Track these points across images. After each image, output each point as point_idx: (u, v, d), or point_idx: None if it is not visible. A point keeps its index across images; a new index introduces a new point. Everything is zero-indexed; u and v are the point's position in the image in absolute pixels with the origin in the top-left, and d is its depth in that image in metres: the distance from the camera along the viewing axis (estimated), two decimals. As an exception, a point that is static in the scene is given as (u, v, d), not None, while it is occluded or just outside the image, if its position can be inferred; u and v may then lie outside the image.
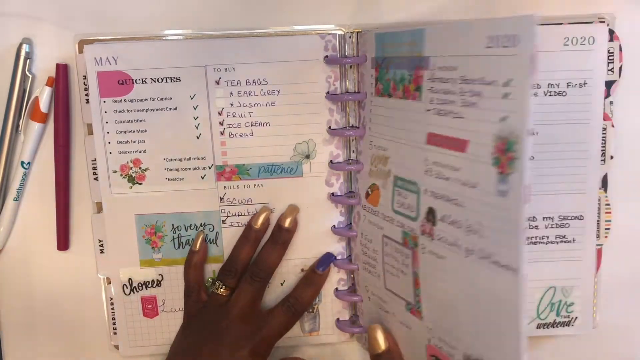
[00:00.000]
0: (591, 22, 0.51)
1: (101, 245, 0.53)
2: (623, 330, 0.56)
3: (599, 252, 0.54)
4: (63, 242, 0.54)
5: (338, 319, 0.55)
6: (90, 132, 0.52)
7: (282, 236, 0.52)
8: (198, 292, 0.52)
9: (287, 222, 0.52)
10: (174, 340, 0.53)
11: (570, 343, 0.56)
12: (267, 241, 0.52)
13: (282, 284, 0.54)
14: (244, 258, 0.52)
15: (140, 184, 0.52)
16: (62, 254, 0.54)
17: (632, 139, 0.53)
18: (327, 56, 0.50)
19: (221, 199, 0.53)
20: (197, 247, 0.52)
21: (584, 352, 0.56)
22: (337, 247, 0.53)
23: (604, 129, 0.52)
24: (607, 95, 0.52)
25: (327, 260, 0.53)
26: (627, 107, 0.53)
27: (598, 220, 0.54)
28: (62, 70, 0.51)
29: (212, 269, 0.54)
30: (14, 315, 0.55)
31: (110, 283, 0.54)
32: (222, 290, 0.51)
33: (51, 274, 0.55)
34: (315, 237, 0.53)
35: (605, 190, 0.53)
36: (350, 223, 0.53)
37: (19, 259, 0.54)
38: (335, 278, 0.54)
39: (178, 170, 0.52)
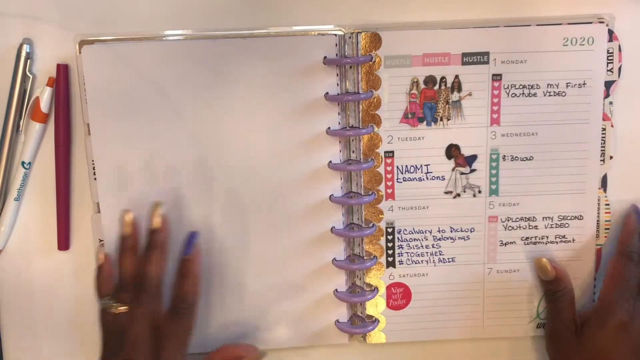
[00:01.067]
0: (590, 23, 0.51)
1: (102, 246, 0.53)
2: (623, 330, 0.56)
3: (599, 252, 0.54)
4: (63, 242, 0.54)
5: (337, 320, 0.55)
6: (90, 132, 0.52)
7: (156, 240, 0.49)
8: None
9: (155, 225, 0.50)
10: None
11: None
12: (145, 250, 0.50)
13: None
14: (127, 269, 0.49)
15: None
16: (62, 254, 0.54)
17: (632, 139, 0.53)
18: (326, 57, 0.51)
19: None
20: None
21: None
22: (337, 248, 0.54)
23: (604, 129, 0.52)
24: (607, 95, 0.52)
25: (190, 241, 0.51)
26: (626, 107, 0.53)
27: (598, 220, 0.54)
28: (63, 71, 0.51)
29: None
30: (14, 315, 0.55)
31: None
32: (119, 308, 0.48)
33: (51, 274, 0.55)
34: (314, 238, 0.53)
35: (605, 190, 0.53)
36: (350, 223, 0.53)
37: (19, 259, 0.54)
38: (336, 279, 0.54)
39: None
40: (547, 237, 0.53)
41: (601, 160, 0.53)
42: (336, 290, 0.54)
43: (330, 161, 0.52)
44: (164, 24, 0.51)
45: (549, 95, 0.51)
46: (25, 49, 0.51)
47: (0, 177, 0.52)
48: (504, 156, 0.52)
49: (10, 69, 0.51)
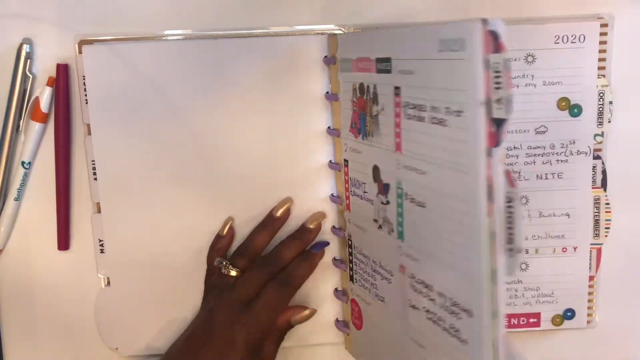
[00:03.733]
0: (581, 20, 0.51)
1: (101, 245, 0.53)
2: (623, 330, 0.56)
3: (599, 252, 0.54)
4: (63, 242, 0.54)
5: (337, 319, 0.55)
6: (90, 132, 0.52)
7: (304, 236, 0.52)
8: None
9: (311, 225, 0.52)
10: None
11: (570, 342, 0.56)
12: (288, 236, 0.52)
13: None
14: (258, 244, 0.52)
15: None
16: (62, 254, 0.54)
17: (632, 139, 0.53)
18: (326, 56, 0.51)
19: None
20: (224, 232, 0.52)
21: (584, 352, 0.56)
22: (337, 249, 0.54)
23: (600, 124, 0.52)
24: (603, 93, 0.52)
25: (322, 244, 0.53)
26: (626, 107, 0.53)
27: (598, 220, 0.54)
28: (63, 71, 0.51)
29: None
30: (14, 315, 0.55)
31: (109, 284, 0.54)
32: (230, 271, 0.50)
33: (51, 274, 0.54)
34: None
35: (605, 190, 0.53)
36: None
37: (19, 259, 0.54)
38: (335, 279, 0.54)
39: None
40: (541, 234, 0.53)
41: (597, 156, 0.53)
42: (336, 289, 0.54)
43: (330, 160, 0.52)
44: (164, 24, 0.51)
45: (434, 123, 0.37)
46: (25, 48, 0.51)
47: (0, 177, 0.52)
48: (406, 194, 0.41)
49: (10, 69, 0.51)
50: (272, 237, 0.52)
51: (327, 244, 0.53)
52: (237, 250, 0.52)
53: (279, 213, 0.52)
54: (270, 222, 0.52)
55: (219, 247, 0.52)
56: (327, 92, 0.51)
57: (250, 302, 0.49)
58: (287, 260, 0.51)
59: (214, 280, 0.52)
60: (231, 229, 0.53)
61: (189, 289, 0.53)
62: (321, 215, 0.53)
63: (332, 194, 0.53)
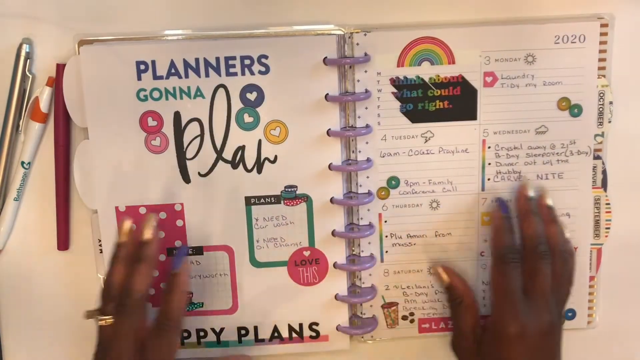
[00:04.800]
0: (581, 20, 0.51)
1: (101, 245, 0.53)
2: (623, 330, 0.56)
3: (599, 252, 0.54)
4: (63, 242, 0.54)
5: (339, 325, 0.55)
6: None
7: (143, 252, 0.48)
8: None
9: (145, 234, 0.48)
10: None
11: (571, 342, 0.56)
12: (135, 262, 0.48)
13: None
14: (118, 281, 0.47)
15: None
16: (62, 254, 0.54)
17: (632, 139, 0.53)
18: (326, 57, 0.50)
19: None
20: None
21: (584, 352, 0.56)
22: (336, 249, 0.53)
23: (600, 124, 0.52)
24: (603, 93, 0.52)
25: (179, 255, 0.50)
26: (627, 107, 0.53)
27: (598, 220, 0.54)
28: (62, 70, 0.51)
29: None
30: (14, 315, 0.55)
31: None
32: (101, 320, 0.47)
33: (51, 274, 0.54)
34: (315, 240, 0.53)
35: (605, 190, 0.53)
36: (350, 224, 0.53)
37: (19, 259, 0.54)
38: (336, 284, 0.54)
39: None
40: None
41: (598, 156, 0.53)
42: (337, 294, 0.54)
43: (331, 162, 0.52)
44: (164, 24, 0.51)
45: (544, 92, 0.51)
46: (25, 48, 0.51)
47: (0, 177, 0.52)
48: None
49: (10, 69, 0.51)
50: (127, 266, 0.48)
51: (185, 250, 0.50)
52: (101, 295, 0.48)
53: (120, 239, 0.48)
54: (118, 252, 0.48)
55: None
56: (327, 93, 0.51)
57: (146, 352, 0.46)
58: (143, 291, 0.47)
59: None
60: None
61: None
62: (151, 217, 0.49)
63: (332, 197, 0.53)
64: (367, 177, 0.53)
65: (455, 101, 0.52)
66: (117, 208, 0.52)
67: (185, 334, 0.54)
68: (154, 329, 0.47)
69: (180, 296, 0.48)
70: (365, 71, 0.51)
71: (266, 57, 0.50)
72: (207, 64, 0.50)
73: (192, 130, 0.51)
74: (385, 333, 0.56)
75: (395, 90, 0.51)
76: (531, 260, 0.49)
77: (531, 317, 0.47)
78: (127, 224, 0.49)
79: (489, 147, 0.52)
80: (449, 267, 0.53)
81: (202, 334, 0.55)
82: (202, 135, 0.51)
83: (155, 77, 0.50)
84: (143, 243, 0.48)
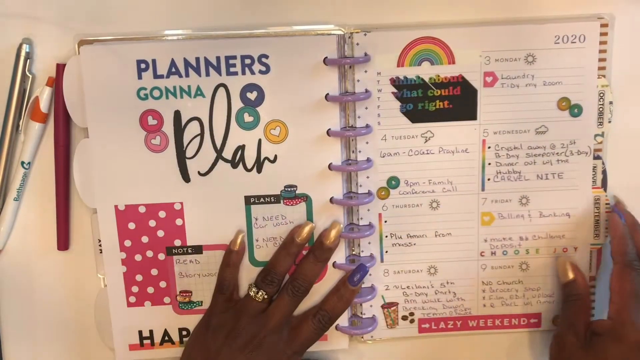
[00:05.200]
0: (581, 20, 0.51)
1: (101, 245, 0.53)
2: (623, 330, 0.56)
3: (599, 252, 0.54)
4: (63, 242, 0.54)
5: (337, 325, 0.55)
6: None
7: (324, 253, 0.52)
8: (232, 292, 0.52)
9: (330, 240, 0.52)
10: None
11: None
12: (308, 255, 0.52)
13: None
14: (283, 269, 0.52)
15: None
16: (62, 254, 0.54)
17: (632, 139, 0.53)
18: (326, 57, 0.50)
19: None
20: (237, 246, 0.52)
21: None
22: (336, 249, 0.53)
23: (600, 124, 0.52)
24: (603, 93, 0.52)
25: (361, 272, 0.52)
26: (627, 107, 0.53)
27: (598, 220, 0.54)
28: (62, 70, 0.51)
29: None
30: (14, 315, 0.55)
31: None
32: (261, 297, 0.51)
33: (51, 274, 0.54)
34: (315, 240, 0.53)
35: (605, 190, 0.53)
36: (350, 224, 0.53)
37: (19, 259, 0.54)
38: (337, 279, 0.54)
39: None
40: (542, 234, 0.54)
41: (598, 156, 0.53)
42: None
43: (331, 162, 0.52)
44: (164, 24, 0.51)
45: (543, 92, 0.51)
46: (25, 48, 0.51)
47: (0, 177, 0.52)
48: None
49: (9, 69, 0.51)
50: (295, 260, 0.52)
51: (367, 271, 0.52)
52: (264, 276, 0.52)
53: (301, 237, 0.52)
54: (293, 247, 0.52)
55: (233, 261, 0.52)
56: (327, 93, 0.51)
57: (293, 338, 0.51)
58: (314, 281, 0.52)
59: (239, 304, 0.52)
60: (243, 242, 0.52)
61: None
62: (337, 226, 0.52)
63: (332, 197, 0.52)
64: (367, 177, 0.53)
65: (455, 101, 0.52)
66: (116, 207, 0.52)
67: (185, 333, 0.55)
68: (315, 319, 0.51)
69: (346, 304, 0.52)
70: (365, 71, 0.51)
71: (267, 56, 0.50)
72: (207, 63, 0.50)
73: (192, 130, 0.51)
74: (385, 333, 0.56)
75: (395, 90, 0.51)
76: None
77: None
78: (310, 227, 0.52)
79: (489, 147, 0.52)
80: (575, 263, 0.53)
81: (202, 333, 0.55)
82: (202, 134, 0.51)
83: (156, 76, 0.50)
84: (325, 247, 0.52)
